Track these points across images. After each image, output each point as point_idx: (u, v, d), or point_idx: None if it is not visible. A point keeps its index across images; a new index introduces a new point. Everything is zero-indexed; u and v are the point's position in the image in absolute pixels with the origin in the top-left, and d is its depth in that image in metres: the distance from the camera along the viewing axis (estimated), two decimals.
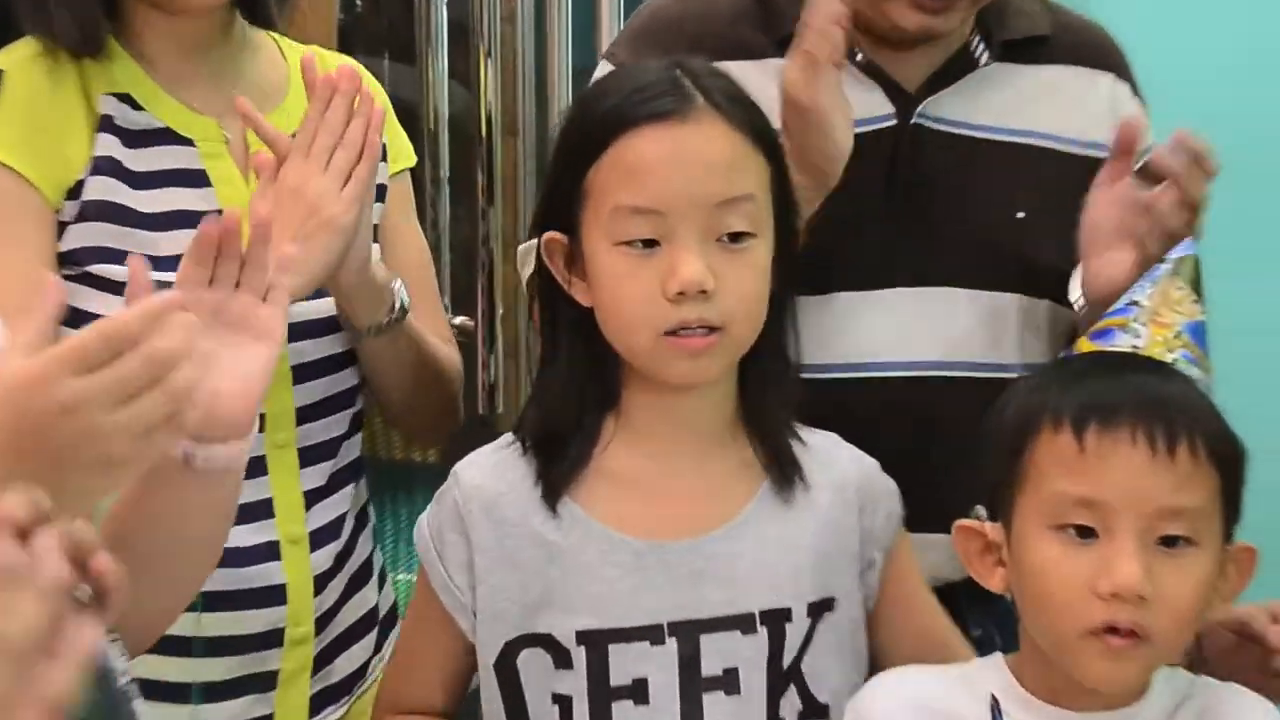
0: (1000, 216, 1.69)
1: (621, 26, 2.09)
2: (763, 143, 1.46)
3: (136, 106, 1.57)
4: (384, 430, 2.37)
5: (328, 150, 1.52)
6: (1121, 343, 1.40)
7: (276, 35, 1.72)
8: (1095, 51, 1.80)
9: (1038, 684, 1.33)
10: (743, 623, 1.45)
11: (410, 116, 2.49)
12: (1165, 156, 1.56)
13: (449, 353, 1.75)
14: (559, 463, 1.47)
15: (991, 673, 1.36)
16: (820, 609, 1.48)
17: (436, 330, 1.73)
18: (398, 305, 1.62)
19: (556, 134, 1.60)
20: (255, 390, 1.27)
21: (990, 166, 1.70)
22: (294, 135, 1.53)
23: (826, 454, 1.53)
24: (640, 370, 1.46)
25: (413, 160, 1.77)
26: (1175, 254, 1.48)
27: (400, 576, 2.73)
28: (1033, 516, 1.29)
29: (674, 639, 1.44)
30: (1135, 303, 1.43)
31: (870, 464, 1.54)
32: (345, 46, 2.34)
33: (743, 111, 1.45)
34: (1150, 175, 1.59)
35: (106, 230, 1.53)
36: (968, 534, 1.36)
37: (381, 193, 1.68)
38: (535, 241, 1.62)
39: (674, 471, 1.48)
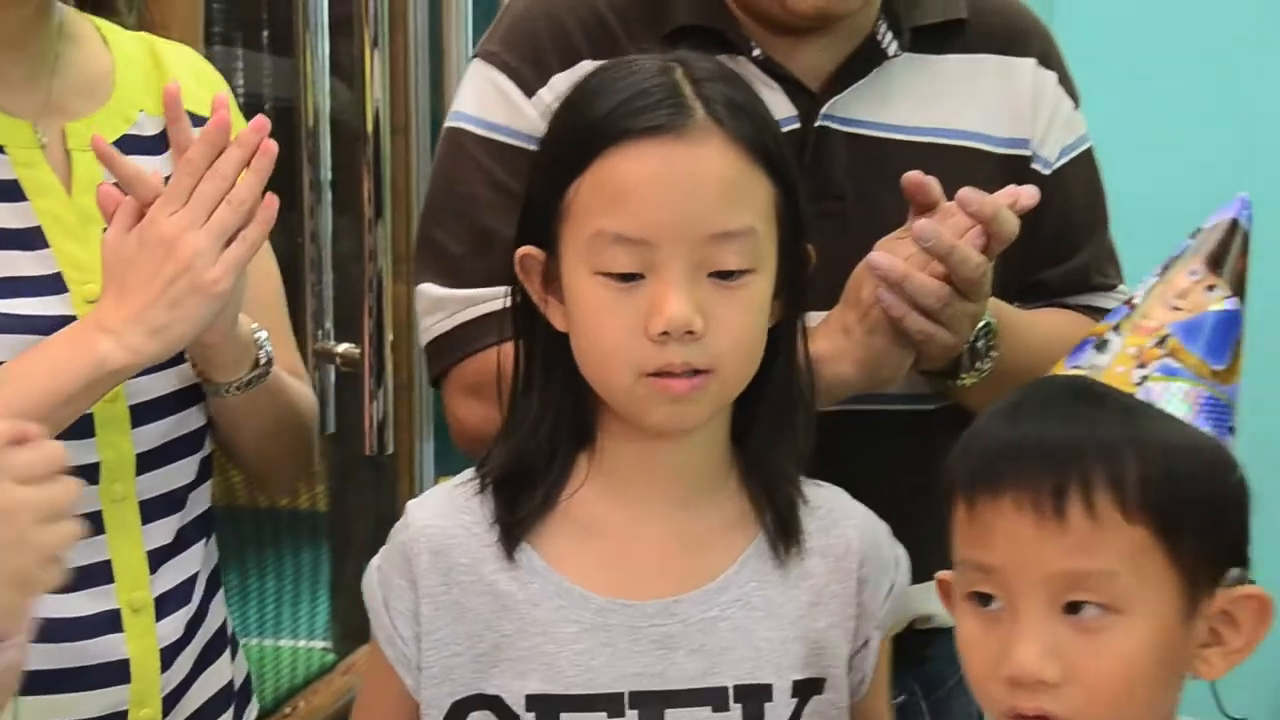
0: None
1: None
2: (769, 162, 1.32)
3: None
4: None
5: (212, 202, 1.38)
6: (1085, 363, 1.22)
7: (98, 20, 1.57)
8: (1017, 36, 1.68)
9: None
10: (715, 697, 1.33)
11: (285, 115, 2.35)
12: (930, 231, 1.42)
13: (304, 393, 1.62)
14: (521, 504, 1.35)
15: None
16: (808, 690, 1.35)
17: (286, 364, 1.59)
18: (262, 360, 1.49)
19: (453, 135, 1.51)
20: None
21: (902, 169, 1.54)
22: (167, 179, 1.39)
23: (830, 513, 1.40)
24: (617, 411, 1.34)
25: None
26: (1210, 221, 1.24)
27: (267, 643, 2.59)
28: (957, 583, 1.20)
29: (635, 711, 1.32)
30: (1130, 301, 1.23)
31: (880, 530, 1.42)
32: (210, 34, 2.20)
33: (749, 125, 1.32)
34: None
35: None
36: (945, 586, 1.24)
37: None
38: (450, 293, 1.53)
39: (651, 523, 1.36)
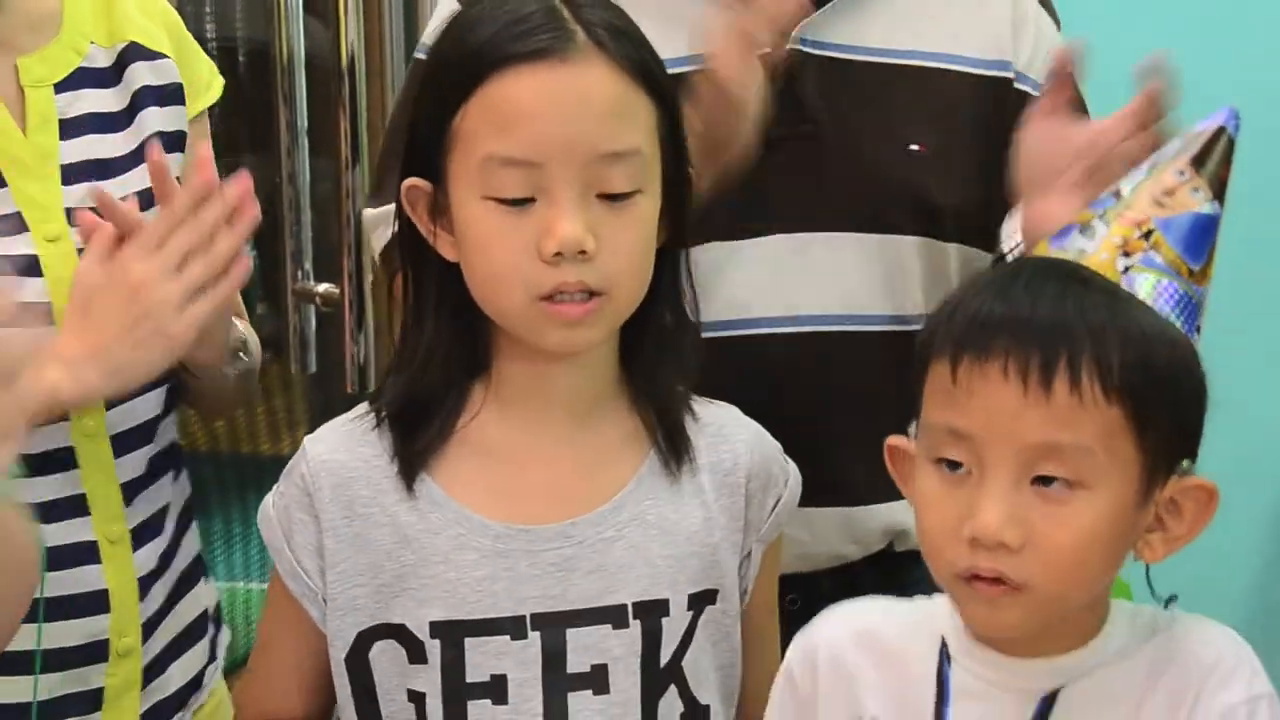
0: (891, 149, 1.61)
1: None
2: (651, 84, 1.37)
3: None
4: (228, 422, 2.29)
5: (182, 253, 1.42)
6: (1070, 246, 1.28)
7: None
8: None
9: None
10: (613, 615, 1.38)
11: (258, 56, 2.39)
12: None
13: (250, 335, 1.64)
14: (419, 436, 1.39)
15: (944, 614, 1.29)
16: (702, 601, 1.41)
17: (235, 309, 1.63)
18: (243, 357, 1.57)
19: (418, 65, 1.54)
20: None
21: (878, 94, 1.61)
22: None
23: (720, 431, 1.45)
24: (512, 335, 1.38)
25: (217, 94, 1.65)
26: (1199, 128, 1.30)
27: (239, 585, 2.64)
28: (921, 446, 1.24)
29: (537, 633, 1.37)
30: (1117, 192, 1.29)
31: (770, 446, 1.46)
32: None
33: (630, 48, 1.36)
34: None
35: None
36: (895, 454, 1.29)
37: (180, 141, 1.57)
38: (384, 210, 1.54)
39: (547, 446, 1.41)
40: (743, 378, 1.54)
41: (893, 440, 1.29)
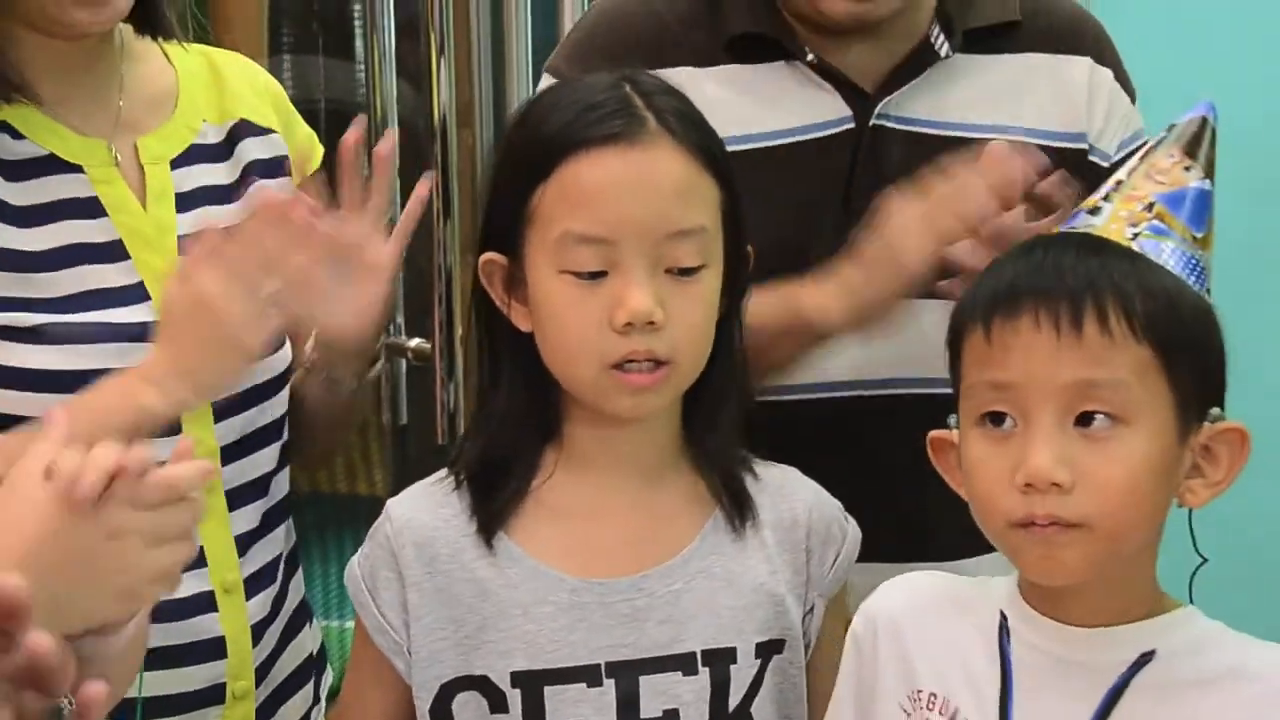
0: None
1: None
2: (714, 166, 1.47)
3: (16, 135, 1.56)
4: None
5: (254, 270, 1.49)
6: (1080, 224, 1.38)
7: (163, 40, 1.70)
8: (1070, 36, 1.79)
9: (1040, 601, 1.35)
10: (683, 662, 1.48)
11: (339, 117, 2.48)
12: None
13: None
14: (496, 497, 1.50)
15: (1002, 589, 1.38)
16: (769, 651, 1.50)
17: None
18: (379, 364, 1.69)
19: (497, 149, 1.62)
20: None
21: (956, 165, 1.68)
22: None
23: (780, 490, 1.55)
24: (581, 401, 1.48)
25: (319, 161, 1.74)
26: (1183, 118, 1.41)
27: (334, 623, 2.74)
28: (967, 415, 1.32)
29: (612, 680, 1.47)
30: (1118, 180, 1.39)
31: (829, 504, 1.56)
32: (275, 38, 2.35)
33: (695, 133, 1.47)
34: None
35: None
36: (939, 446, 1.38)
37: None
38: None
39: (616, 505, 1.51)
40: (818, 438, 1.64)
41: (935, 434, 1.37)
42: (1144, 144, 1.43)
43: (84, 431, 1.40)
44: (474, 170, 2.45)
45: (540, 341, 1.48)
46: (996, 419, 1.29)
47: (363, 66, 2.53)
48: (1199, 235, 1.36)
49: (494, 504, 1.50)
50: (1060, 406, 1.27)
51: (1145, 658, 1.32)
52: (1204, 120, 1.40)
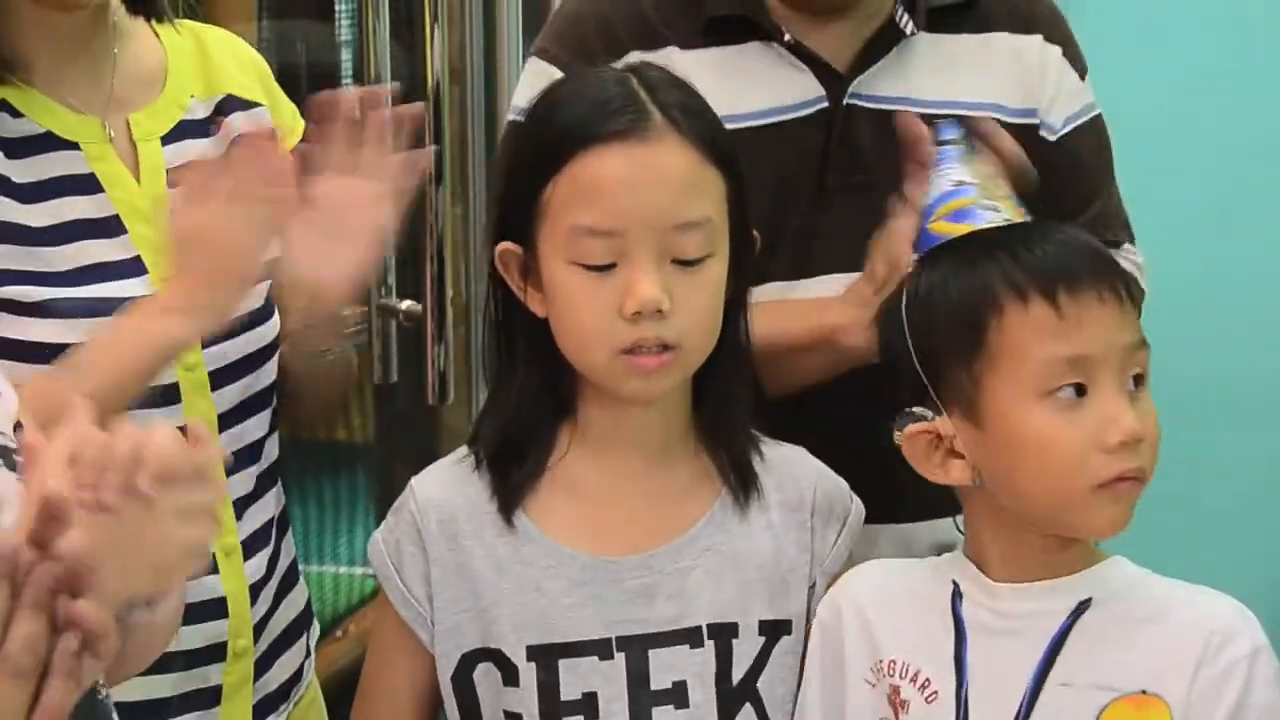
0: None
1: None
2: (720, 158, 1.56)
3: (15, 113, 1.62)
4: None
5: (244, 201, 1.57)
6: (994, 219, 1.56)
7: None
8: (1025, 14, 1.90)
9: (987, 564, 1.52)
10: (690, 636, 1.57)
11: (325, 81, 2.54)
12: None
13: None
14: (514, 475, 1.59)
15: (952, 562, 1.55)
16: (775, 631, 1.59)
17: None
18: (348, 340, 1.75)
19: (512, 129, 1.72)
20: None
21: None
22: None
23: (787, 470, 1.64)
24: (595, 383, 1.58)
25: (300, 135, 1.80)
26: (947, 135, 1.66)
27: (313, 568, 2.83)
28: (1016, 391, 1.45)
29: (622, 654, 1.56)
30: (963, 183, 1.56)
31: (834, 483, 1.64)
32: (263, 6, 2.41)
33: (700, 125, 1.55)
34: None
35: (2, 251, 1.59)
36: (914, 438, 1.50)
37: None
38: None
39: (628, 483, 1.60)
40: (803, 406, 1.73)
41: (915, 428, 1.49)
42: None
43: (109, 375, 1.50)
44: (464, 146, 2.55)
45: (554, 327, 1.57)
46: (1079, 390, 1.44)
47: (353, 30, 2.58)
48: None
49: (512, 483, 1.59)
50: (1121, 370, 1.45)
51: (1083, 605, 1.47)
52: (963, 136, 1.66)
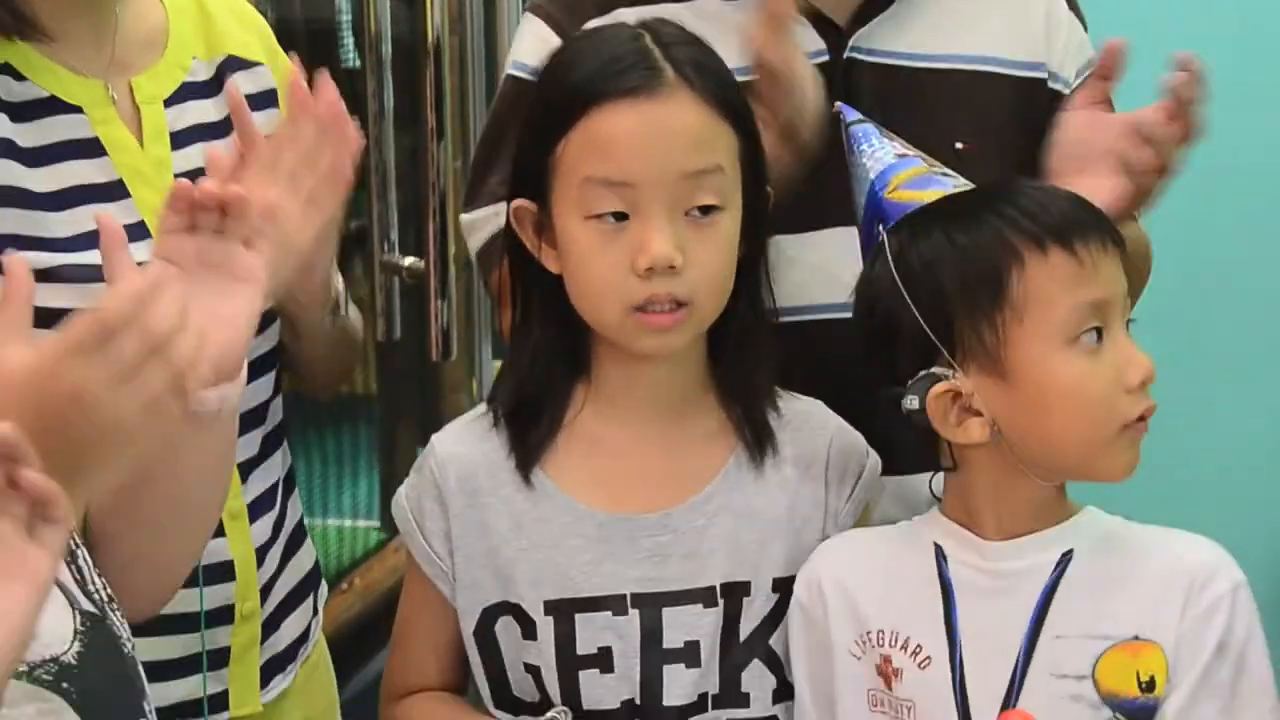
0: (939, 149, 1.77)
1: None
2: (731, 114, 1.58)
3: (19, 76, 1.62)
4: None
5: (292, 170, 1.58)
6: (956, 184, 1.60)
7: None
8: None
9: (984, 524, 1.55)
10: (704, 596, 1.60)
11: (327, 37, 2.58)
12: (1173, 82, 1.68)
13: (355, 314, 1.85)
14: (531, 433, 1.62)
15: (931, 526, 1.58)
16: (790, 587, 1.61)
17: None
18: (341, 304, 1.74)
19: (509, 83, 1.75)
20: (242, 333, 1.42)
21: (925, 96, 1.81)
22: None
23: (803, 424, 1.66)
24: (609, 341, 1.60)
25: None
26: (854, 115, 1.67)
27: (329, 522, 2.86)
28: (1043, 339, 1.49)
29: (636, 610, 1.59)
30: (904, 155, 1.60)
31: (851, 437, 1.66)
32: None
33: (712, 82, 1.57)
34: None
35: (8, 216, 1.60)
36: (938, 398, 1.51)
37: None
38: (480, 213, 1.76)
39: (644, 440, 1.63)
40: (805, 357, 1.73)
41: (941, 388, 1.51)
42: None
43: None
44: (463, 83, 2.56)
45: (568, 284, 1.59)
46: (1098, 335, 1.50)
47: None
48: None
49: (529, 441, 1.62)
50: (1122, 313, 1.52)
51: (1066, 556, 1.51)
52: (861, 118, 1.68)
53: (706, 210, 1.56)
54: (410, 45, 2.53)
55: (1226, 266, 3.41)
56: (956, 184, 1.60)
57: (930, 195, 1.58)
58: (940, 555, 1.54)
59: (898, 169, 1.59)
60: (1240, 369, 3.42)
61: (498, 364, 2.74)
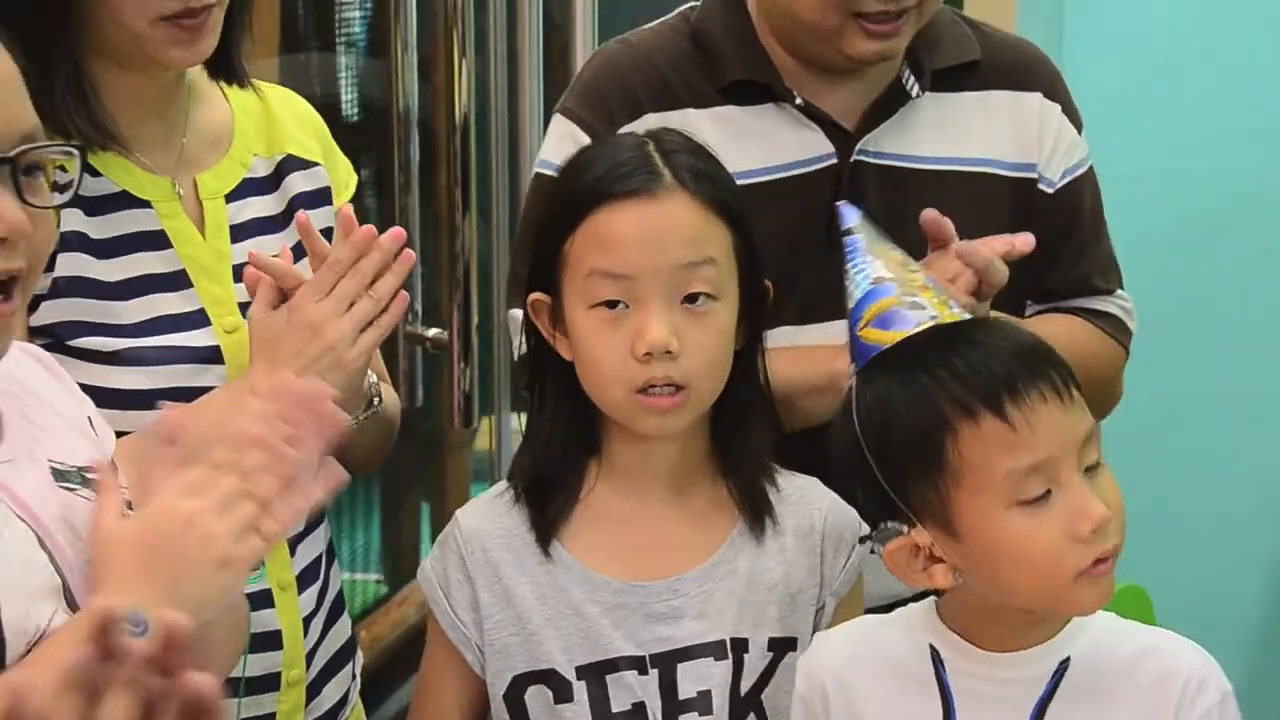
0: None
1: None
2: (726, 214, 1.75)
3: (94, 172, 1.73)
4: None
5: (351, 296, 1.74)
6: (920, 318, 1.60)
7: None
8: (1024, 72, 2.07)
9: (966, 631, 1.59)
10: (715, 650, 1.77)
11: (370, 112, 2.70)
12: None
13: (389, 395, 1.96)
14: (549, 508, 1.78)
15: (926, 628, 1.61)
16: (784, 647, 1.78)
17: (376, 368, 1.92)
18: (375, 403, 1.87)
19: (539, 182, 1.92)
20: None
21: (927, 196, 1.95)
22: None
23: (801, 498, 1.82)
24: (617, 422, 1.77)
25: (353, 190, 1.97)
26: (850, 223, 1.71)
27: (356, 577, 2.94)
28: (983, 504, 1.52)
29: (655, 669, 1.76)
30: (881, 279, 1.65)
31: (845, 512, 1.81)
32: (287, 38, 2.55)
33: (709, 186, 1.75)
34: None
35: (79, 305, 1.74)
36: (895, 552, 1.57)
37: (329, 236, 1.83)
38: (520, 312, 1.90)
39: (653, 511, 1.80)
40: (806, 451, 1.84)
41: (895, 545, 1.58)
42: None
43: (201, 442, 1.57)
44: (489, 162, 2.70)
45: (578, 369, 1.76)
46: (1044, 496, 1.50)
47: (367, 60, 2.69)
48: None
49: (547, 516, 1.78)
50: (1077, 461, 1.52)
51: (1064, 665, 1.58)
52: (860, 224, 1.70)
53: (699, 298, 1.73)
54: (436, 123, 2.65)
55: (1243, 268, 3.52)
56: (919, 321, 1.60)
57: (894, 336, 1.60)
58: (937, 659, 1.59)
59: (869, 300, 1.65)
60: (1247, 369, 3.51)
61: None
